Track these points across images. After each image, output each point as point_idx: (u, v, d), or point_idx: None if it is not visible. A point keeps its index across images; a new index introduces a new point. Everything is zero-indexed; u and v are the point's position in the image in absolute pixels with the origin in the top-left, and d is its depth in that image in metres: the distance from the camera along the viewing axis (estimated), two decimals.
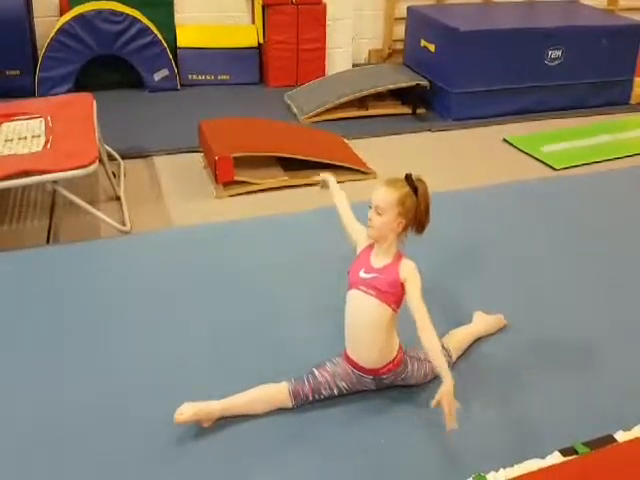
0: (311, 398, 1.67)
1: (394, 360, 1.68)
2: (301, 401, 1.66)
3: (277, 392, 1.66)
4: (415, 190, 1.60)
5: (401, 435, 1.64)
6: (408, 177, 1.62)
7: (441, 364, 1.56)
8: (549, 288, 2.25)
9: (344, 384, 1.69)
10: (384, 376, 1.69)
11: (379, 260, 1.64)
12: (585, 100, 4.49)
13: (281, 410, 1.67)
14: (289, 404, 1.66)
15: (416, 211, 1.60)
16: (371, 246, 1.67)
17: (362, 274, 1.64)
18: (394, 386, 1.75)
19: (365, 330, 1.64)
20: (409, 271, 1.61)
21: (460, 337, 1.90)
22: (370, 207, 1.62)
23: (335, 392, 1.69)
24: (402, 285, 1.61)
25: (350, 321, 1.68)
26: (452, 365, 1.82)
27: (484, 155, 3.74)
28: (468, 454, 1.58)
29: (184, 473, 1.53)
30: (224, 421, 1.64)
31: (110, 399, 1.72)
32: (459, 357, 1.87)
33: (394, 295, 1.62)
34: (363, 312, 1.64)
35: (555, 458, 1.55)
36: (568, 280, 2.31)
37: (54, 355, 1.89)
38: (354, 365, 1.69)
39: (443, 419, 1.51)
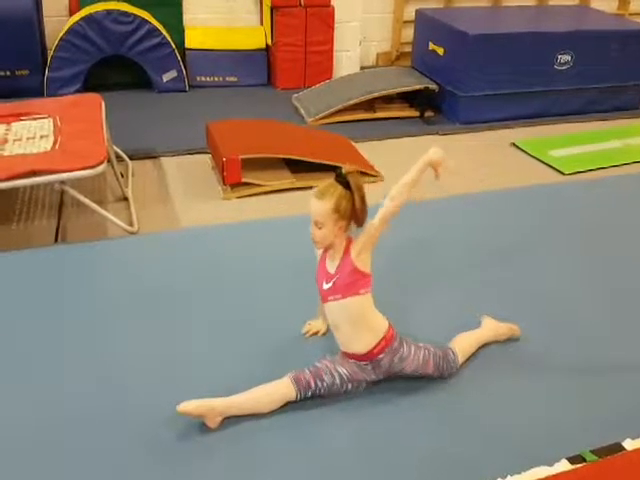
0: (313, 385, 1.67)
1: (386, 336, 1.70)
2: (304, 389, 1.66)
3: (279, 383, 1.67)
4: (348, 186, 1.60)
5: (405, 439, 1.63)
6: (338, 175, 1.62)
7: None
8: (557, 293, 2.24)
9: (344, 370, 1.71)
10: (380, 356, 1.70)
11: (333, 263, 1.67)
12: (594, 105, 4.46)
13: (284, 409, 1.67)
14: (292, 394, 1.66)
15: (353, 206, 1.61)
16: (326, 250, 1.70)
17: (325, 286, 1.69)
18: (394, 376, 1.75)
19: (349, 328, 1.69)
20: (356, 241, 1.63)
21: (467, 341, 1.89)
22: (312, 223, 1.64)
23: (336, 379, 1.70)
24: (357, 267, 1.63)
25: (334, 327, 1.74)
26: (458, 368, 1.81)
27: (492, 159, 3.73)
28: (475, 461, 1.57)
29: (184, 472, 1.53)
30: (227, 420, 1.64)
31: (115, 397, 1.73)
32: (465, 362, 1.86)
33: (356, 282, 1.64)
34: (340, 316, 1.68)
35: (563, 466, 1.54)
36: (577, 285, 2.29)
37: (61, 353, 1.89)
38: (351, 357, 1.72)
39: None
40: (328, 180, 1.63)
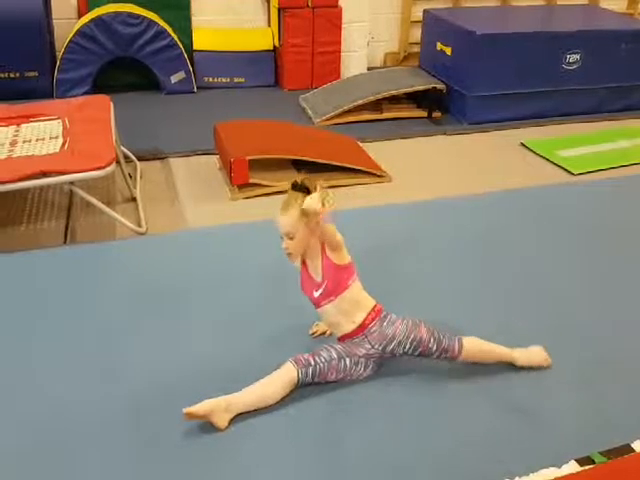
0: (312, 361, 1.72)
1: (375, 308, 1.77)
2: (304, 366, 1.70)
3: (280, 369, 1.71)
4: (306, 191, 1.66)
5: (410, 438, 1.62)
6: (294, 186, 1.69)
7: None
8: (567, 296, 2.23)
9: (340, 346, 1.77)
10: (370, 325, 1.76)
11: (317, 270, 1.74)
12: (604, 105, 4.44)
13: (287, 406, 1.67)
14: (294, 374, 1.69)
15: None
16: (304, 259, 1.77)
17: (315, 294, 1.76)
18: (391, 355, 1.77)
19: (345, 320, 1.77)
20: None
21: (474, 340, 1.82)
22: (281, 237, 1.70)
23: (333, 353, 1.75)
24: (337, 265, 1.70)
25: (332, 326, 1.82)
26: (460, 347, 1.77)
27: (501, 159, 3.71)
28: (483, 462, 1.56)
29: (190, 471, 1.53)
30: (233, 422, 1.64)
31: (124, 396, 1.73)
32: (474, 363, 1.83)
33: (342, 277, 1.72)
34: (336, 313, 1.76)
35: (571, 467, 1.53)
36: (587, 287, 2.28)
37: (69, 353, 1.90)
38: (346, 337, 1.78)
39: None
40: (288, 194, 1.70)
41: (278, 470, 1.54)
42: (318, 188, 1.61)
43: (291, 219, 1.66)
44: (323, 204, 1.56)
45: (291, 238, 1.69)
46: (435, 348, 1.75)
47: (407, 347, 1.74)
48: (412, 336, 1.74)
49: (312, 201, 1.56)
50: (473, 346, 1.81)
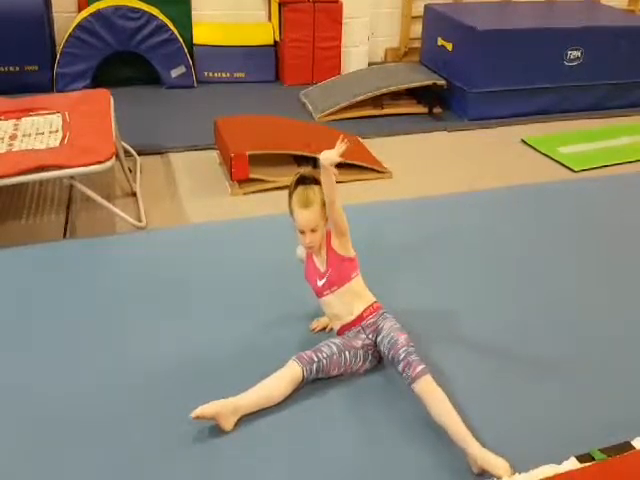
0: (315, 358, 1.73)
1: (374, 305, 1.81)
2: (308, 363, 1.71)
3: (284, 368, 1.71)
4: (315, 181, 1.71)
5: (410, 439, 1.62)
6: (304, 178, 1.73)
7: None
8: (567, 294, 2.22)
9: (339, 340, 1.80)
10: (368, 317, 1.79)
11: (321, 259, 1.79)
12: (605, 101, 4.43)
13: (288, 406, 1.67)
14: (299, 371, 1.70)
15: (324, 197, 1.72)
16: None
17: (319, 283, 1.79)
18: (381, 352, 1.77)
19: (344, 312, 1.80)
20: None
21: (444, 399, 1.60)
22: (302, 232, 1.73)
23: (334, 348, 1.77)
24: (342, 256, 1.75)
25: (334, 317, 1.84)
26: (424, 369, 1.65)
27: (501, 156, 3.71)
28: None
29: (187, 468, 1.53)
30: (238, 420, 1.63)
31: (123, 394, 1.73)
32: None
33: (346, 269, 1.77)
34: (339, 304, 1.80)
35: (571, 464, 1.52)
36: (587, 285, 2.28)
37: (70, 349, 1.89)
38: (345, 329, 1.81)
39: None
40: (300, 189, 1.73)
41: (278, 470, 1.54)
42: (340, 141, 1.67)
43: (316, 212, 1.71)
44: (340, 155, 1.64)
45: (315, 231, 1.73)
46: (403, 357, 1.69)
47: (385, 345, 1.75)
48: (392, 334, 1.76)
49: (330, 154, 1.63)
50: (433, 390, 1.62)
